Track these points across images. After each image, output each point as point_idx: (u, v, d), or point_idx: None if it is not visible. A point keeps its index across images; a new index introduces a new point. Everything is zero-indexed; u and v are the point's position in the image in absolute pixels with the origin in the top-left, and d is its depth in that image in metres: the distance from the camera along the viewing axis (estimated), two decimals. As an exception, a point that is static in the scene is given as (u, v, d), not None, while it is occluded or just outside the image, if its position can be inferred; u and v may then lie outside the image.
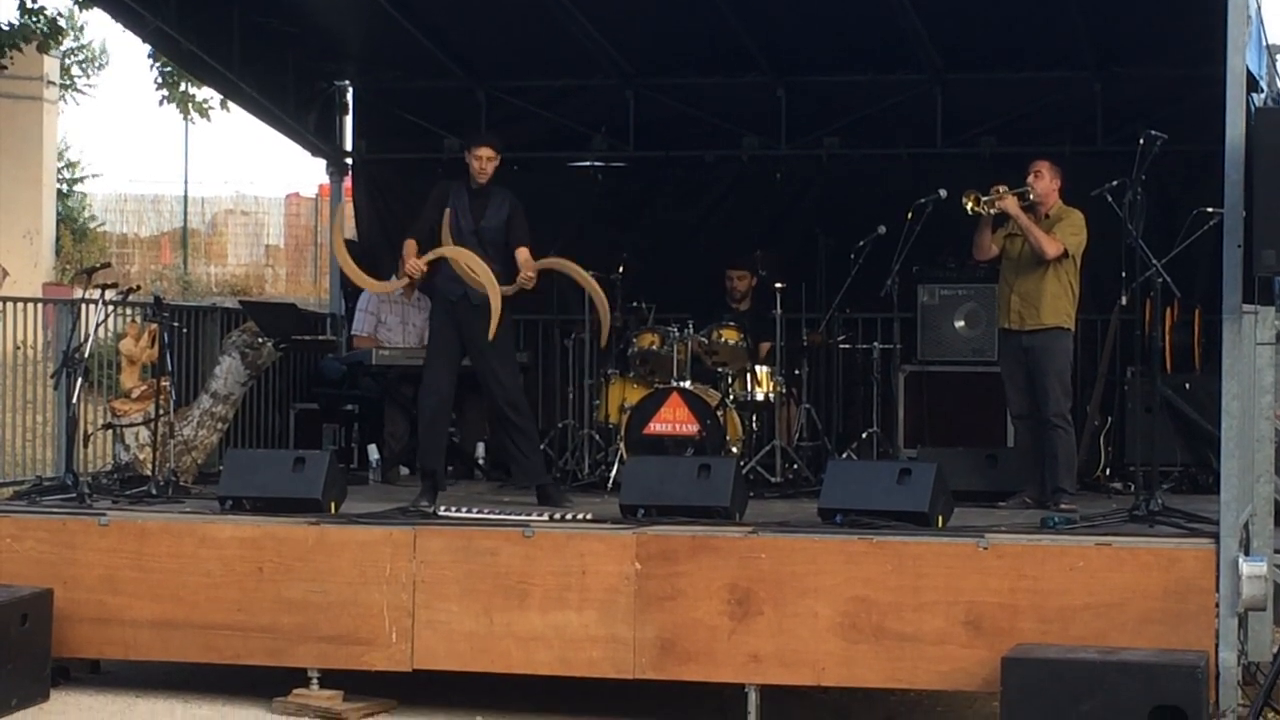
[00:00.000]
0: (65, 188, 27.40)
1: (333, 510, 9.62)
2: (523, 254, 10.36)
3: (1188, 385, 11.98)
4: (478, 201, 10.40)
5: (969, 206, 10.44)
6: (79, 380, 10.58)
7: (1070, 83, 13.11)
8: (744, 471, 10.56)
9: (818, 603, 8.57)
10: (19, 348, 12.23)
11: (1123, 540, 8.51)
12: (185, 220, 29.60)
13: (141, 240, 29.87)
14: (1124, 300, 9.89)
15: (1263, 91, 9.48)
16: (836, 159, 13.68)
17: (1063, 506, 9.96)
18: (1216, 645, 8.14)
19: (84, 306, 11.22)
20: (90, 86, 29.05)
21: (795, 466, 12.09)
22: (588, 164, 14.38)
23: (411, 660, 9.00)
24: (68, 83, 27.27)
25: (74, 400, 10.58)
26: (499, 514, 9.63)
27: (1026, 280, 10.43)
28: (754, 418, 12.24)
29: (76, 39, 27.48)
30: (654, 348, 12.18)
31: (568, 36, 12.97)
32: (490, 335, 10.18)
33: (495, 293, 10.15)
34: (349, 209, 14.76)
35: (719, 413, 11.83)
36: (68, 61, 27.30)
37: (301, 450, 10.71)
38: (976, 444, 11.49)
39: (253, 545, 9.24)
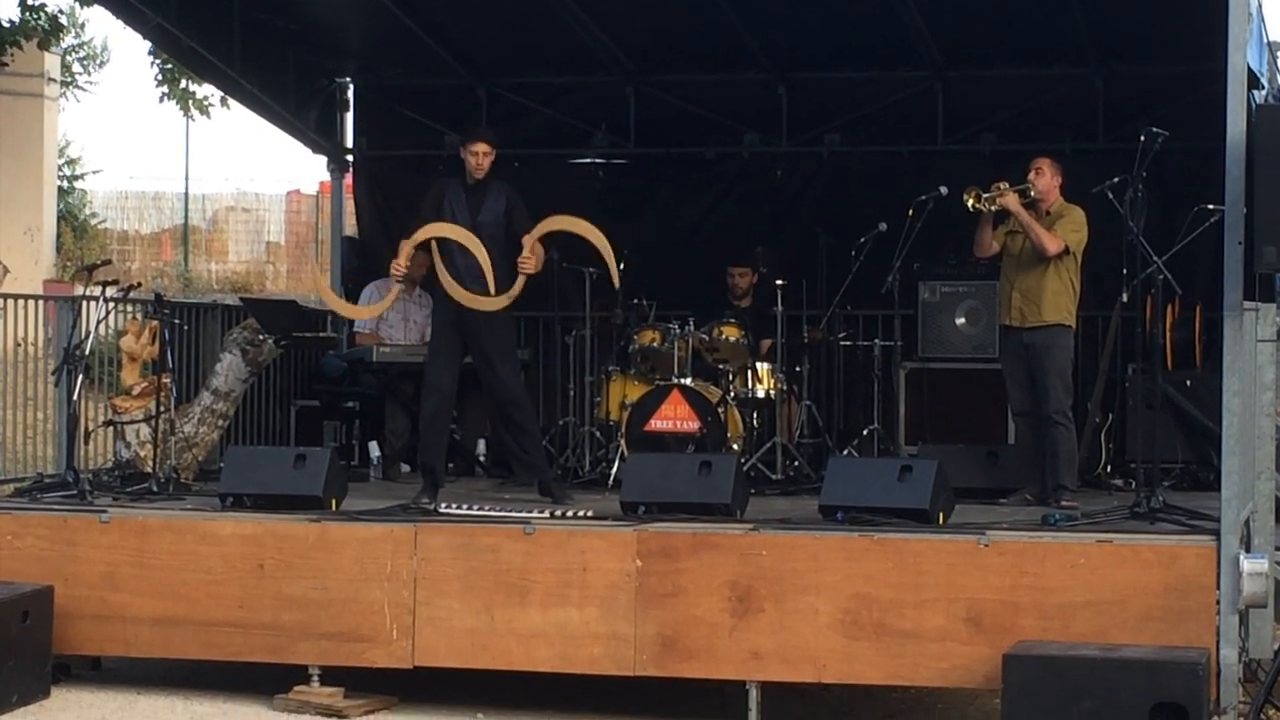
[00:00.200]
0: (66, 184, 27.40)
1: (334, 507, 9.62)
2: (526, 241, 10.33)
3: (1189, 382, 11.98)
4: (474, 197, 10.39)
5: (970, 203, 10.44)
6: (80, 377, 10.58)
7: (1071, 80, 13.10)
8: (745, 469, 10.56)
9: (819, 600, 8.58)
10: (20, 345, 12.22)
11: (1124, 537, 8.51)
12: (186, 217, 29.60)
13: (142, 237, 29.87)
14: (1125, 297, 9.89)
15: (1264, 88, 9.49)
16: (837, 156, 13.67)
17: (1064, 503, 9.97)
18: (1217, 642, 8.15)
19: (85, 303, 11.22)
20: (91, 83, 29.06)
21: (796, 463, 12.09)
22: (588, 161, 14.37)
23: (412, 657, 9.01)
24: (69, 80, 27.27)
25: (75, 397, 10.58)
26: (500, 511, 9.63)
27: (1027, 277, 10.43)
28: (755, 415, 12.24)
29: (77, 36, 27.49)
30: (655, 344, 12.18)
31: (569, 33, 12.96)
32: (492, 295, 10.14)
33: (485, 261, 10.12)
34: (349, 207, 14.76)
35: (720, 410, 11.83)
36: (69, 58, 27.29)
37: (302, 447, 10.71)
38: (977, 441, 11.48)
39: (254, 542, 9.24)
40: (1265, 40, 9.68)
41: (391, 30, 13.16)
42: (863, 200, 13.08)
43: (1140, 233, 9.36)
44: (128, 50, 62.39)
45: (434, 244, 10.35)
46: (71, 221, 26.90)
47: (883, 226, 12.02)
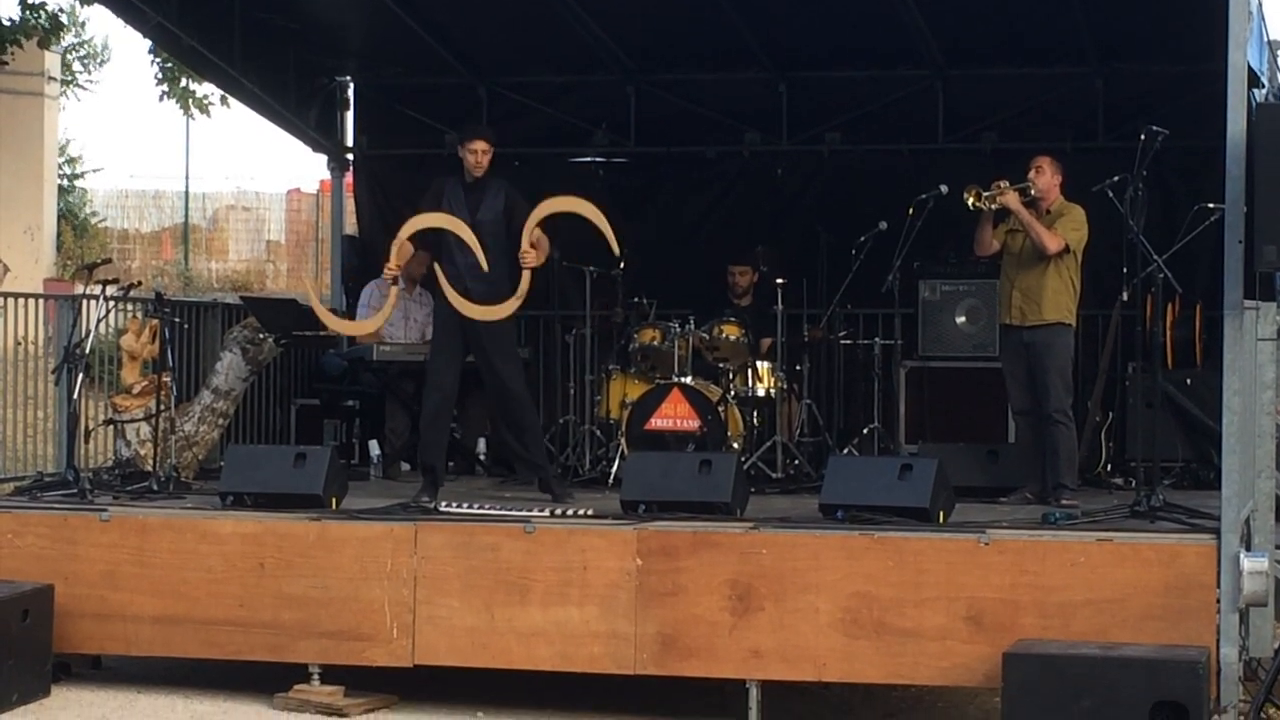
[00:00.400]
0: (66, 183, 27.42)
1: (334, 506, 9.62)
2: (525, 229, 10.29)
3: (1189, 381, 11.99)
4: (473, 195, 10.37)
5: (970, 202, 10.43)
6: (80, 376, 10.58)
7: (1072, 79, 13.11)
8: (745, 467, 10.55)
9: (819, 598, 8.57)
10: (20, 343, 12.23)
11: (1124, 536, 8.51)
12: (186, 216, 29.61)
13: (143, 236, 29.88)
14: (1125, 296, 9.88)
15: (1264, 87, 9.49)
16: (838, 155, 13.68)
17: (1064, 502, 9.97)
18: (1218, 641, 8.14)
19: (85, 302, 11.22)
20: (91, 82, 29.06)
21: (796, 462, 12.09)
22: (589, 160, 14.36)
23: (413, 656, 9.01)
24: (69, 78, 27.28)
25: (75, 396, 10.58)
26: (500, 510, 9.62)
27: (1028, 276, 10.43)
28: (755, 413, 12.24)
29: (78, 35, 27.50)
30: (655, 343, 12.18)
31: (569, 32, 12.96)
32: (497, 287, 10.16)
33: (472, 239, 10.11)
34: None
35: (720, 408, 11.83)
36: (69, 57, 27.30)
37: (302, 446, 10.71)
38: (978, 440, 11.48)
39: (254, 541, 9.24)
40: (1265, 39, 9.67)
41: (392, 29, 13.16)
42: (863, 199, 13.08)
43: (1140, 231, 9.36)
44: (128, 49, 62.43)
45: (433, 243, 10.35)
46: (72, 220, 26.91)
47: (883, 225, 12.01)
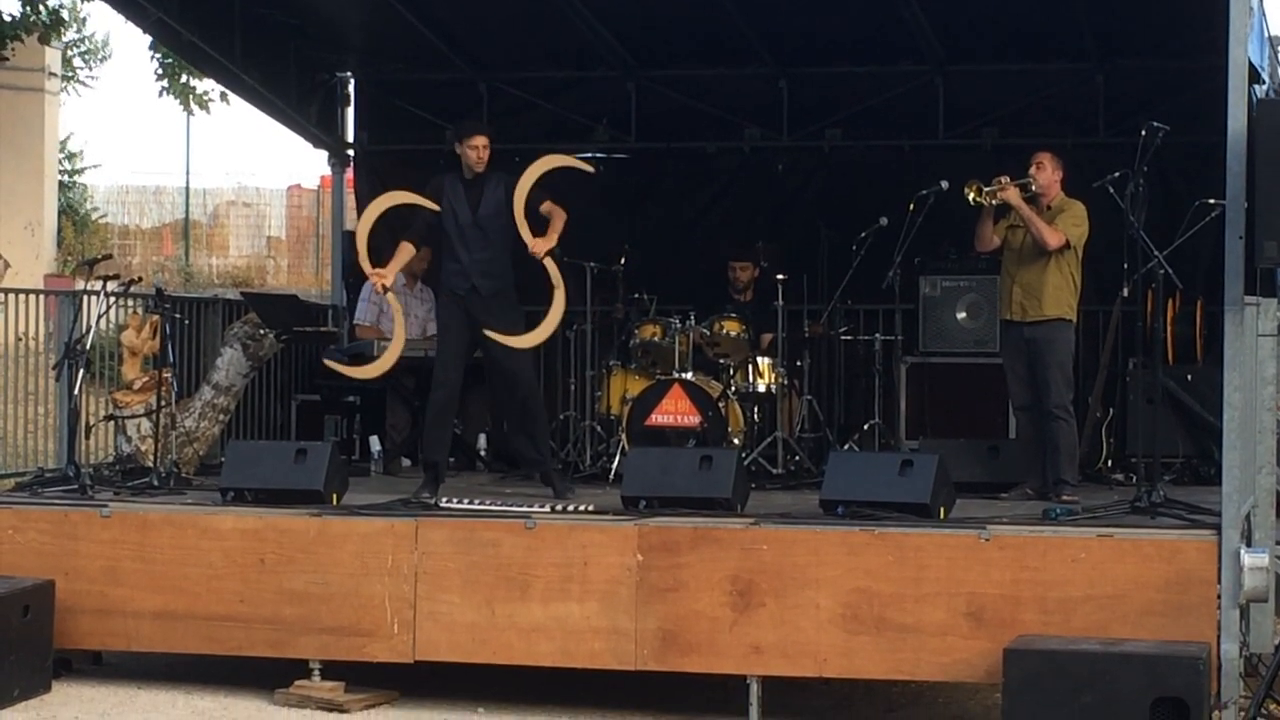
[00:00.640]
0: (67, 179, 27.40)
1: (334, 502, 9.63)
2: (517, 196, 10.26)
3: (1189, 377, 11.99)
4: (473, 192, 10.35)
5: (971, 197, 10.43)
6: (81, 372, 10.58)
7: (1072, 74, 13.11)
8: (745, 463, 10.56)
9: (819, 594, 8.57)
10: (20, 339, 12.24)
11: (1124, 532, 8.51)
12: (187, 212, 29.60)
13: (143, 232, 29.87)
14: (1125, 292, 9.89)
15: (1264, 83, 9.48)
16: (838, 151, 13.69)
17: (1064, 498, 9.97)
18: (1218, 637, 8.14)
19: (85, 298, 11.22)
20: (92, 78, 29.05)
21: (797, 458, 12.09)
22: (590, 155, 14.35)
23: (413, 652, 9.01)
24: (69, 74, 27.28)
25: (75, 392, 10.58)
26: (501, 505, 9.63)
27: (1028, 271, 10.43)
28: (755, 409, 12.24)
29: (78, 31, 27.49)
30: (656, 339, 12.18)
31: (570, 28, 12.96)
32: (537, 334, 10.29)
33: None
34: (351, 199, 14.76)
35: (720, 404, 11.83)
36: (70, 53, 27.30)
37: (303, 442, 10.71)
38: (978, 435, 11.49)
39: (254, 537, 9.24)
40: (1266, 35, 9.67)
41: (392, 25, 13.16)
42: (864, 194, 13.09)
43: (1141, 227, 9.36)
44: (129, 45, 62.45)
45: (434, 241, 10.35)
46: (72, 216, 26.90)
47: (883, 221, 12.00)
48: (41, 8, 17.26)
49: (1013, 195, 10.36)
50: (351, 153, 14.58)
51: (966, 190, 10.45)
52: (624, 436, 11.85)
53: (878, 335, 12.63)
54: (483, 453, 12.61)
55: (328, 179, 17.96)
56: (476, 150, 10.33)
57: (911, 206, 11.40)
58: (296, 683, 9.09)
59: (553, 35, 13.21)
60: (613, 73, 13.81)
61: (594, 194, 13.72)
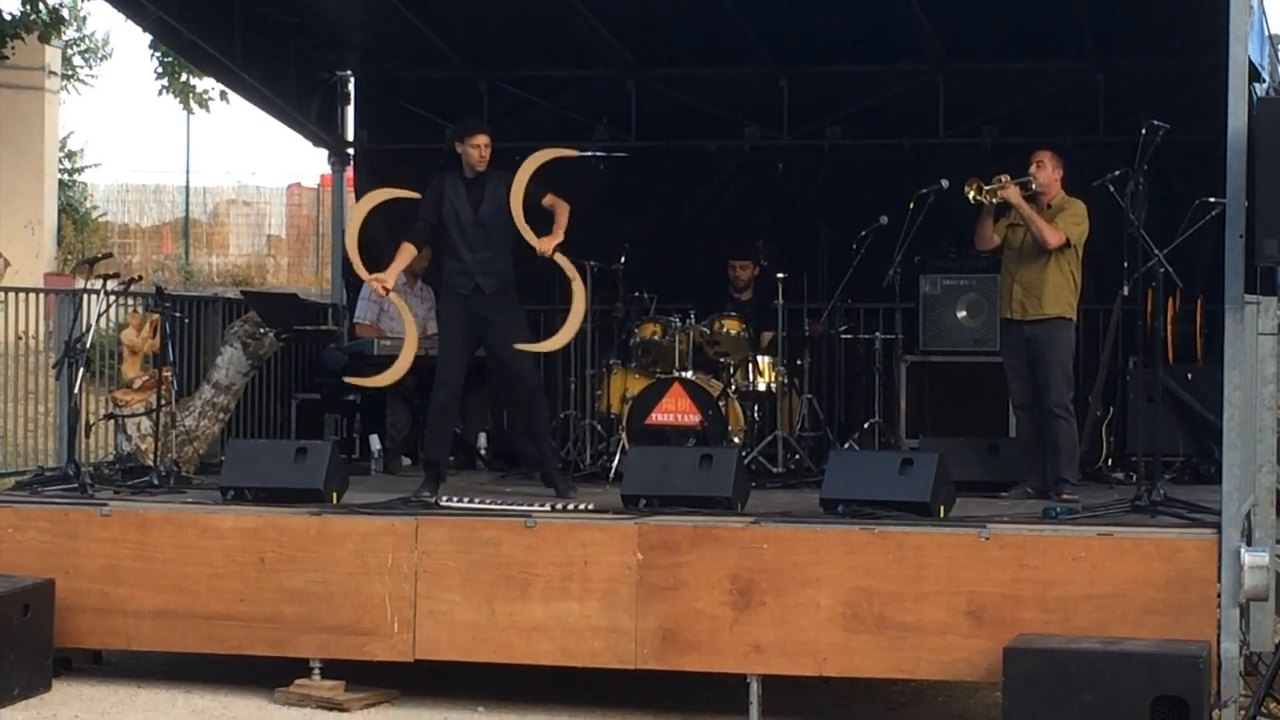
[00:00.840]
0: (67, 178, 27.41)
1: (334, 500, 9.63)
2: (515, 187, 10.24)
3: (1190, 375, 11.99)
4: (474, 191, 10.35)
5: (971, 196, 10.43)
6: (81, 371, 10.58)
7: (1072, 73, 13.10)
8: (746, 462, 10.55)
9: (819, 593, 8.57)
10: (20, 338, 12.23)
11: (1125, 530, 8.51)
12: (187, 210, 29.61)
13: (143, 230, 29.88)
14: (1126, 290, 9.89)
15: (1265, 81, 9.48)
16: (838, 149, 13.69)
17: (1065, 497, 9.97)
18: (1218, 635, 8.14)
19: (86, 297, 11.21)
20: (92, 77, 29.08)
21: (797, 457, 12.09)
22: (590, 154, 14.37)
23: (413, 650, 9.01)
24: (70, 73, 27.28)
25: (76, 390, 10.58)
26: (501, 504, 9.62)
27: (1029, 270, 10.43)
28: (756, 408, 12.24)
29: (79, 29, 27.49)
30: (656, 338, 12.18)
31: (570, 27, 12.96)
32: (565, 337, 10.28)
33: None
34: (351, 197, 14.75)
35: (721, 403, 11.83)
36: (70, 52, 27.30)
37: (303, 440, 10.70)
38: (978, 434, 11.48)
39: (254, 535, 9.24)
40: (1266, 33, 9.67)
41: (393, 23, 13.16)
42: (864, 193, 13.10)
43: (1141, 226, 9.35)
44: (129, 44, 62.43)
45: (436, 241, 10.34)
46: (72, 215, 26.91)
47: (884, 220, 12.01)
48: (42, 6, 17.24)
49: (1013, 194, 10.36)
50: (352, 151, 14.58)
51: (966, 189, 10.45)
52: (624, 435, 11.85)
53: (878, 334, 12.63)
54: (483, 452, 12.61)
55: (328, 177, 17.95)
56: (479, 149, 10.33)
57: (912, 205, 11.40)
58: (297, 682, 9.09)
59: (553, 34, 13.20)
60: (613, 71, 13.81)
61: (594, 193, 13.75)
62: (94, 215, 28.34)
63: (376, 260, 12.39)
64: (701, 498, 9.22)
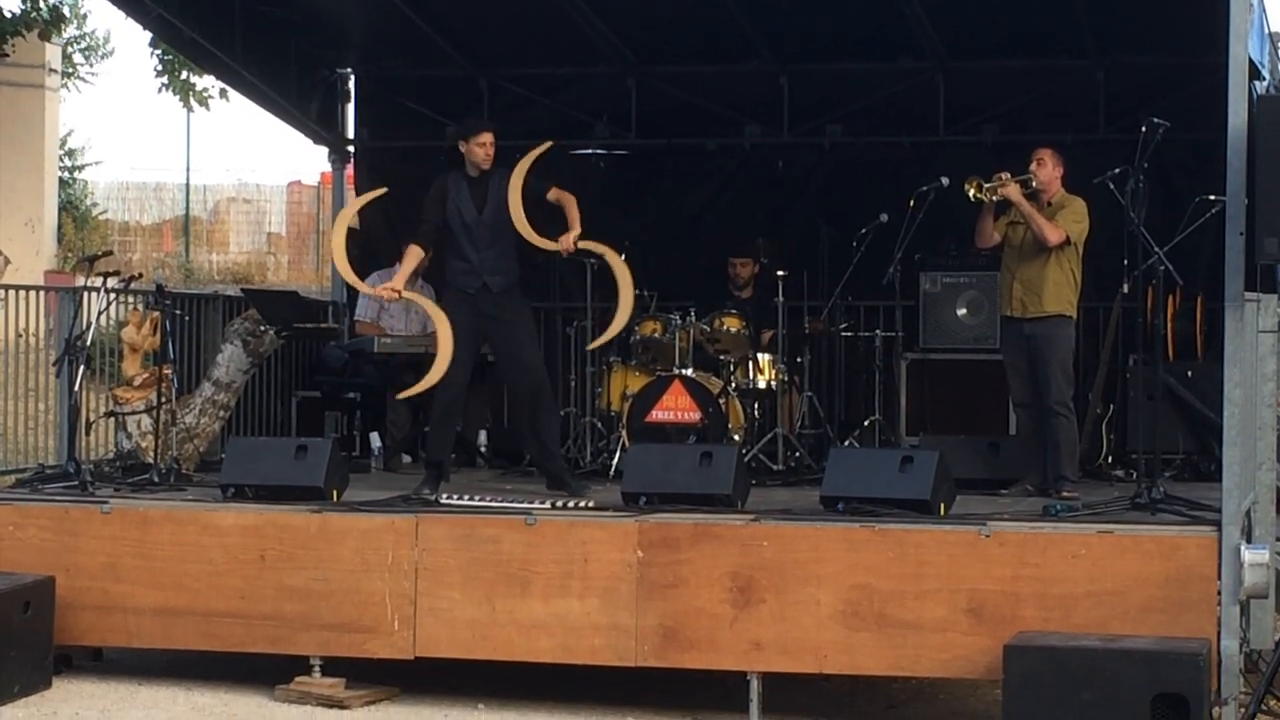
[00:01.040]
0: (67, 175, 27.41)
1: (335, 498, 9.63)
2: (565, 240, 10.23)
3: (1190, 373, 11.98)
4: (478, 189, 10.34)
5: (971, 193, 10.43)
6: (81, 368, 10.58)
7: (1073, 71, 13.10)
8: (746, 459, 10.56)
9: (820, 590, 8.57)
10: (21, 335, 12.22)
11: (1125, 528, 8.51)
12: (187, 208, 29.61)
13: (143, 228, 29.88)
14: (1126, 288, 9.89)
15: (1265, 79, 9.48)
16: (839, 147, 13.68)
17: (1065, 494, 9.97)
18: (1218, 633, 8.14)
19: (86, 294, 11.21)
20: (93, 74, 29.06)
21: (797, 454, 12.09)
22: (590, 152, 14.37)
23: (414, 648, 9.01)
24: (70, 70, 27.27)
25: (76, 388, 10.58)
26: (501, 502, 9.63)
27: (1029, 268, 10.43)
28: (756, 405, 12.24)
29: (79, 27, 27.49)
30: (656, 335, 12.18)
31: (570, 24, 12.96)
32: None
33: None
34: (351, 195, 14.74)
35: (721, 400, 11.83)
36: (70, 49, 27.29)
37: (304, 438, 10.70)
38: (978, 432, 11.47)
39: (255, 533, 9.24)
40: (1266, 31, 9.67)
41: (393, 21, 13.16)
42: (864, 191, 13.09)
43: (1141, 223, 9.35)
44: (129, 41, 62.43)
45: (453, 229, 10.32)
46: (73, 212, 26.91)
47: (884, 217, 12.02)
48: (42, 4, 17.27)
49: (1013, 191, 10.36)
50: (352, 149, 14.57)
51: (967, 186, 10.45)
52: (624, 433, 11.85)
53: (878, 331, 12.64)
54: (483, 449, 12.61)
55: (328, 175, 17.95)
56: (484, 147, 10.33)
57: (912, 203, 11.41)
58: (297, 679, 9.09)
59: (553, 31, 13.20)
60: (613, 69, 13.80)
61: (594, 190, 13.74)
62: (94, 213, 28.34)
63: (375, 257, 12.41)
64: (702, 495, 9.22)
